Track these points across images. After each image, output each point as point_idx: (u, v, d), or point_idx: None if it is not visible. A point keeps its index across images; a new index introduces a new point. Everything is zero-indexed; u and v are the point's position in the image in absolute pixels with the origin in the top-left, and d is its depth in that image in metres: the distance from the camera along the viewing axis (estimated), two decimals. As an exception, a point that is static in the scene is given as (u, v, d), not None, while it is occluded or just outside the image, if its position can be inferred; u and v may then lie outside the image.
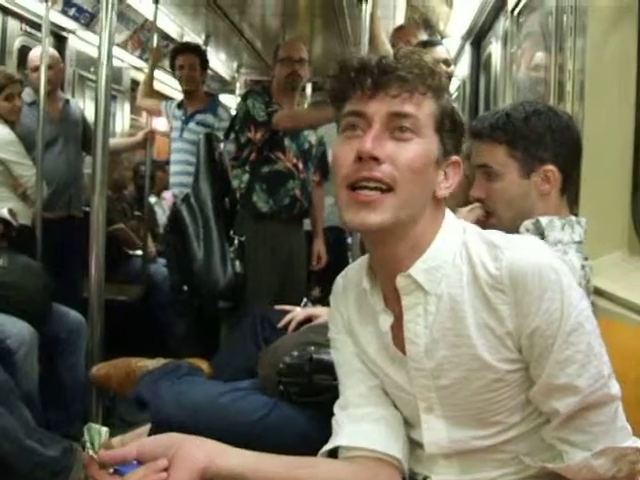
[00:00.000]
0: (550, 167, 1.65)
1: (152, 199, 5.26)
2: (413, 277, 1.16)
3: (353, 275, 1.34)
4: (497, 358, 1.13)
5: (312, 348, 1.83)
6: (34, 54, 4.02)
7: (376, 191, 1.10)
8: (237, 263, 3.15)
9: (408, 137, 1.12)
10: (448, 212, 1.23)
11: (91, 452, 1.07)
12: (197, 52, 4.38)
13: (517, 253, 1.11)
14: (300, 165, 3.55)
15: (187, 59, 4.23)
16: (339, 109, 1.19)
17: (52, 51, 4.19)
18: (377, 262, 1.23)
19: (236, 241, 3.20)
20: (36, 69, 3.88)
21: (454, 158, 1.20)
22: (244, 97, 3.56)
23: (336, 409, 1.32)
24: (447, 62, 3.43)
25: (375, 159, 1.09)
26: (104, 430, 1.08)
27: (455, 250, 1.17)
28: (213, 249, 3.12)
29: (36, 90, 3.97)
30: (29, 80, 3.98)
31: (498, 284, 1.11)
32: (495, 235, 1.18)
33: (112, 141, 4.60)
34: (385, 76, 1.11)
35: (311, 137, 3.67)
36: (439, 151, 1.16)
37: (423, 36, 3.67)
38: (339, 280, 1.38)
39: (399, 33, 3.86)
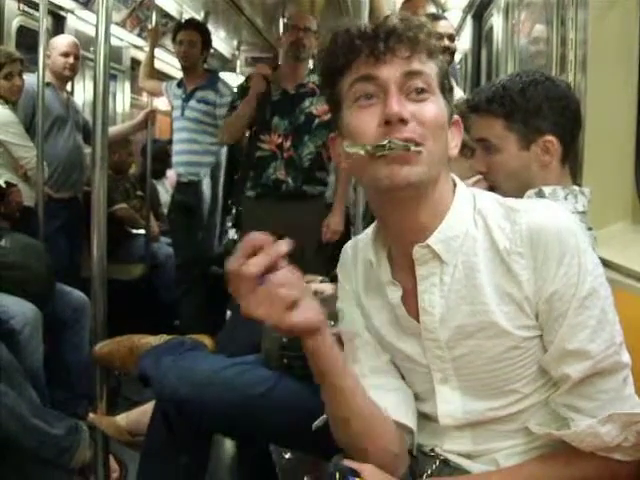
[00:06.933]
0: (549, 137, 1.63)
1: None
2: (431, 247, 1.16)
3: (362, 248, 1.32)
4: (515, 325, 1.13)
5: (315, 322, 1.83)
6: (58, 40, 4.17)
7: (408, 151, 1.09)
8: (233, 231, 3.16)
9: (425, 97, 1.12)
10: (457, 178, 1.23)
11: None
12: (198, 29, 4.34)
13: (536, 217, 1.12)
14: (287, 143, 3.45)
15: (186, 35, 4.20)
16: (334, 85, 1.18)
17: (72, 39, 4.26)
18: (393, 230, 1.22)
19: (234, 210, 3.21)
20: (65, 55, 4.07)
21: (455, 117, 1.21)
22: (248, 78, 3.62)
23: None
24: (452, 37, 3.40)
25: (402, 120, 1.08)
26: None
27: (469, 217, 1.17)
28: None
29: (57, 75, 4.07)
30: (50, 65, 3.98)
31: (517, 248, 1.11)
32: (512, 200, 1.19)
33: (114, 128, 4.68)
34: (394, 38, 1.11)
35: (312, 107, 3.48)
36: (447, 110, 1.16)
37: (431, 7, 3.64)
38: (348, 250, 1.37)
39: (408, 4, 3.81)
